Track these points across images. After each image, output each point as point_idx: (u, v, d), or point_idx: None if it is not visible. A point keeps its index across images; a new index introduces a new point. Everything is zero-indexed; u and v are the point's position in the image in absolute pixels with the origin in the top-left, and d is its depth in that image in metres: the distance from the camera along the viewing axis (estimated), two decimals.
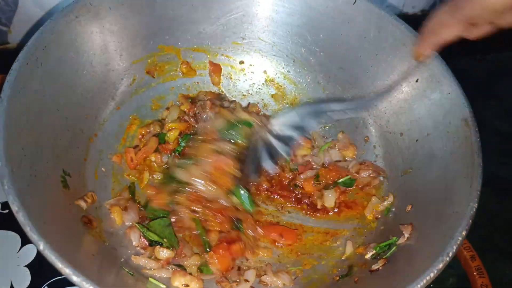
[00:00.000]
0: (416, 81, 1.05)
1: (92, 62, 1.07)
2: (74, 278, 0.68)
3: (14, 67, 0.86)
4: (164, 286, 0.88)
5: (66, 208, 0.89)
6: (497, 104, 1.48)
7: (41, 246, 0.70)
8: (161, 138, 1.11)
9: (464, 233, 0.79)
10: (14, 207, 0.72)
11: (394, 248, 0.91)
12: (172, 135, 1.11)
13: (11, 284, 1.00)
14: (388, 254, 0.90)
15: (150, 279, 0.89)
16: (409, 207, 0.98)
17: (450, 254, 0.77)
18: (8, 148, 0.78)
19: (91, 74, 1.06)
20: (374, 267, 0.89)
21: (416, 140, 1.05)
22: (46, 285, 1.00)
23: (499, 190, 1.26)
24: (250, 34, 1.23)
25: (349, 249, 0.99)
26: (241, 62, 1.26)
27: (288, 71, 1.26)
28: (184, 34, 1.20)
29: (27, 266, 1.02)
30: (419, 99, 1.05)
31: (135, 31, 1.13)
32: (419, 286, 0.74)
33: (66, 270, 0.68)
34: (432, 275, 0.75)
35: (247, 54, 1.26)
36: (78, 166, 1.00)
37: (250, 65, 1.27)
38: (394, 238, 0.92)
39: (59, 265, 0.69)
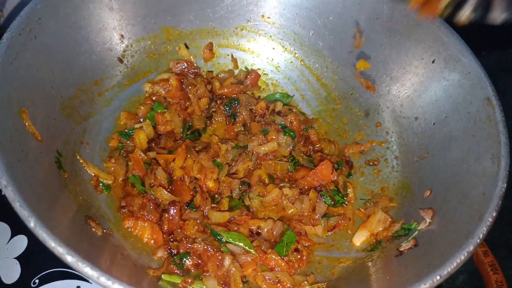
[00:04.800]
0: (433, 62, 1.00)
1: (90, 40, 1.01)
2: (69, 259, 0.61)
3: (6, 36, 0.81)
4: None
5: (61, 190, 0.82)
6: (502, 101, 1.44)
7: (32, 223, 0.63)
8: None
9: (494, 214, 0.74)
10: (3, 181, 0.65)
11: (415, 233, 0.84)
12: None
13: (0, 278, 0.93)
14: (411, 238, 0.84)
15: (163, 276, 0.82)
16: (428, 193, 0.92)
17: (481, 236, 0.71)
18: None
19: (88, 52, 1.01)
20: (404, 247, 0.83)
21: (433, 124, 0.99)
22: (37, 279, 0.94)
23: (508, 185, 1.22)
24: (255, 16, 1.17)
25: None
26: (245, 46, 1.20)
27: (295, 56, 1.20)
28: (187, 15, 1.14)
29: (16, 258, 0.96)
30: (436, 80, 1.00)
31: (135, 9, 1.07)
32: (449, 269, 0.69)
33: (60, 250, 0.61)
34: (462, 257, 0.69)
35: (252, 38, 1.20)
36: (74, 149, 0.94)
37: (255, 49, 1.20)
38: (414, 223, 0.86)
39: (52, 244, 0.61)
